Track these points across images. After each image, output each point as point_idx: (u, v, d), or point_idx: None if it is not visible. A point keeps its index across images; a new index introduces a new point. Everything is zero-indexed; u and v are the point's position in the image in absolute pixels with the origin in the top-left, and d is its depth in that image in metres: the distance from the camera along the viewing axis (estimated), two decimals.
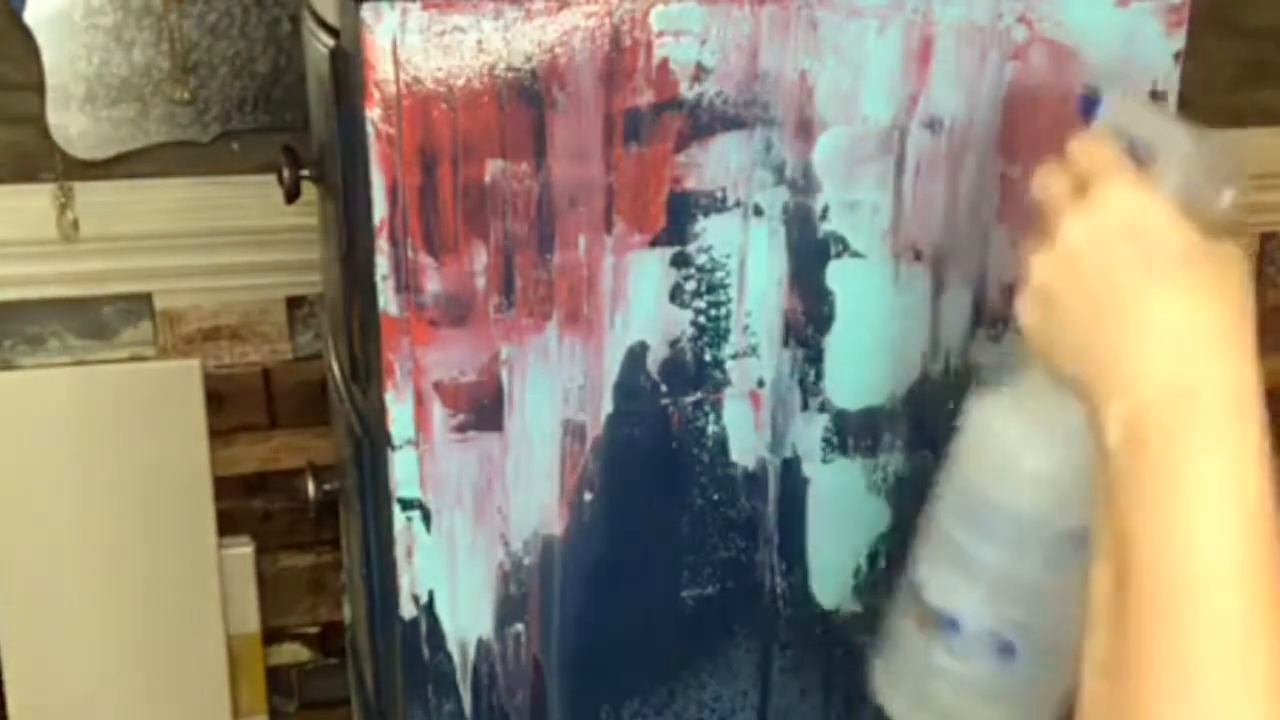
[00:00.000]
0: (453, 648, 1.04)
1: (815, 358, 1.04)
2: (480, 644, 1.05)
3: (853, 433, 1.07)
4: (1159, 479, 0.65)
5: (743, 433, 1.05)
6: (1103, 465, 0.69)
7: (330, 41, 1.05)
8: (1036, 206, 0.76)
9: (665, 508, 1.06)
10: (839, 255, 1.02)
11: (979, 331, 1.07)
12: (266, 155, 1.47)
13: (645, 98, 0.95)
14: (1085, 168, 0.74)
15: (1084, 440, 0.72)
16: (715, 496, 1.06)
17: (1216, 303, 0.68)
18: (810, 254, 1.01)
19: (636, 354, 1.01)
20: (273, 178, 1.28)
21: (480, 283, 0.96)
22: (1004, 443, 0.85)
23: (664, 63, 0.94)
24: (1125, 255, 0.70)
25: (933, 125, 1.00)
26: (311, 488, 1.39)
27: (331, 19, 1.06)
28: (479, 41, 0.91)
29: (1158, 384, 0.67)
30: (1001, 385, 0.86)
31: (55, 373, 1.74)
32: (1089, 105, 0.80)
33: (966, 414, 0.87)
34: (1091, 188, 0.72)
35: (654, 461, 1.04)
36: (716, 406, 1.03)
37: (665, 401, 1.02)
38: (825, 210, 1.01)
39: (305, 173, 1.27)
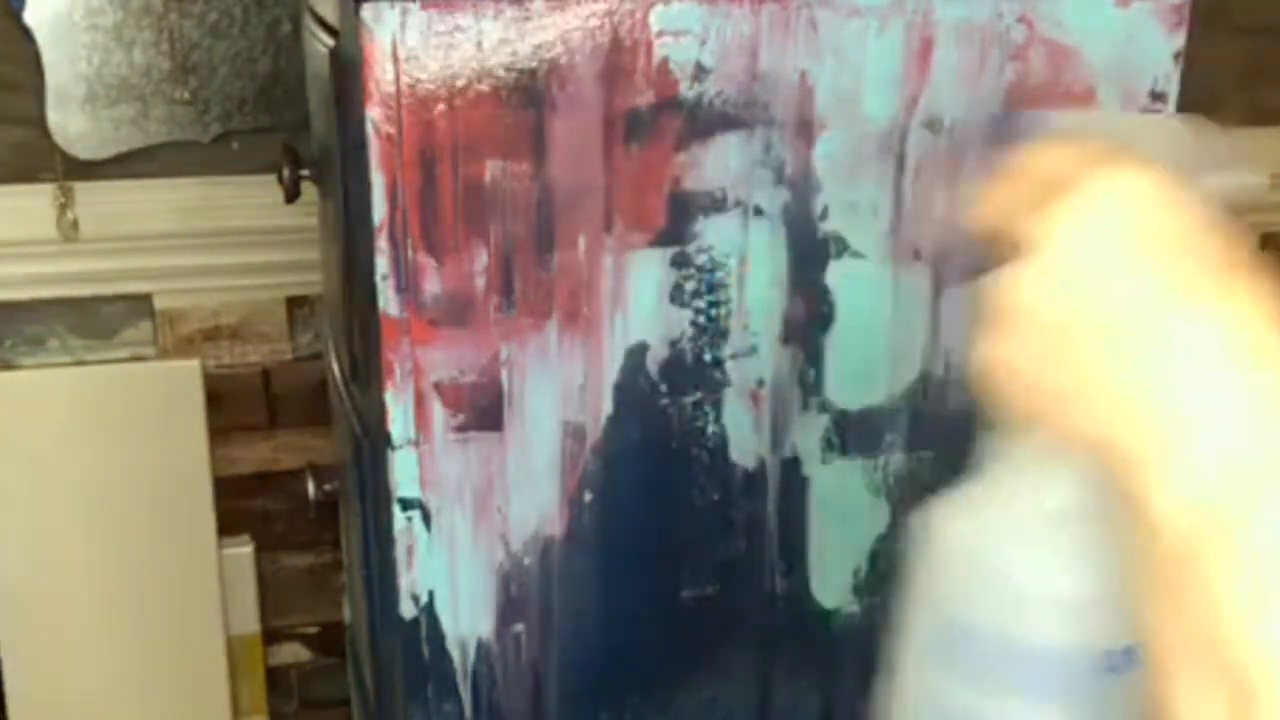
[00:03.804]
0: (453, 648, 1.04)
1: (815, 358, 1.04)
2: (480, 644, 1.05)
3: (853, 433, 1.07)
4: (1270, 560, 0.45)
5: (743, 433, 1.05)
6: (1154, 554, 0.49)
7: (330, 41, 1.05)
8: (982, 237, 0.58)
9: (665, 508, 1.06)
10: (839, 255, 1.02)
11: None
12: (266, 155, 1.47)
13: (645, 98, 0.95)
14: (1051, 169, 0.55)
15: (1101, 529, 0.54)
16: (715, 496, 1.06)
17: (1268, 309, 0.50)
18: (810, 254, 1.01)
19: (636, 354, 1.01)
20: (273, 178, 1.28)
21: (480, 283, 0.96)
22: (993, 560, 0.61)
23: (664, 63, 0.94)
24: (1143, 252, 0.51)
25: (933, 125, 1.00)
26: (311, 488, 1.39)
27: (331, 19, 1.06)
28: (479, 41, 0.91)
29: (1224, 428, 0.48)
30: (964, 484, 0.64)
31: (55, 373, 1.74)
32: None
33: (923, 534, 0.64)
34: (1070, 182, 0.53)
35: (654, 462, 1.04)
36: (716, 406, 1.03)
37: (665, 401, 1.02)
38: (825, 210, 1.01)
39: (305, 173, 1.27)
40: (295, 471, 1.74)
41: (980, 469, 0.63)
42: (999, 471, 0.62)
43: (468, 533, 1.02)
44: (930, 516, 0.64)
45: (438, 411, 0.98)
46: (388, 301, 0.95)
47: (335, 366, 1.29)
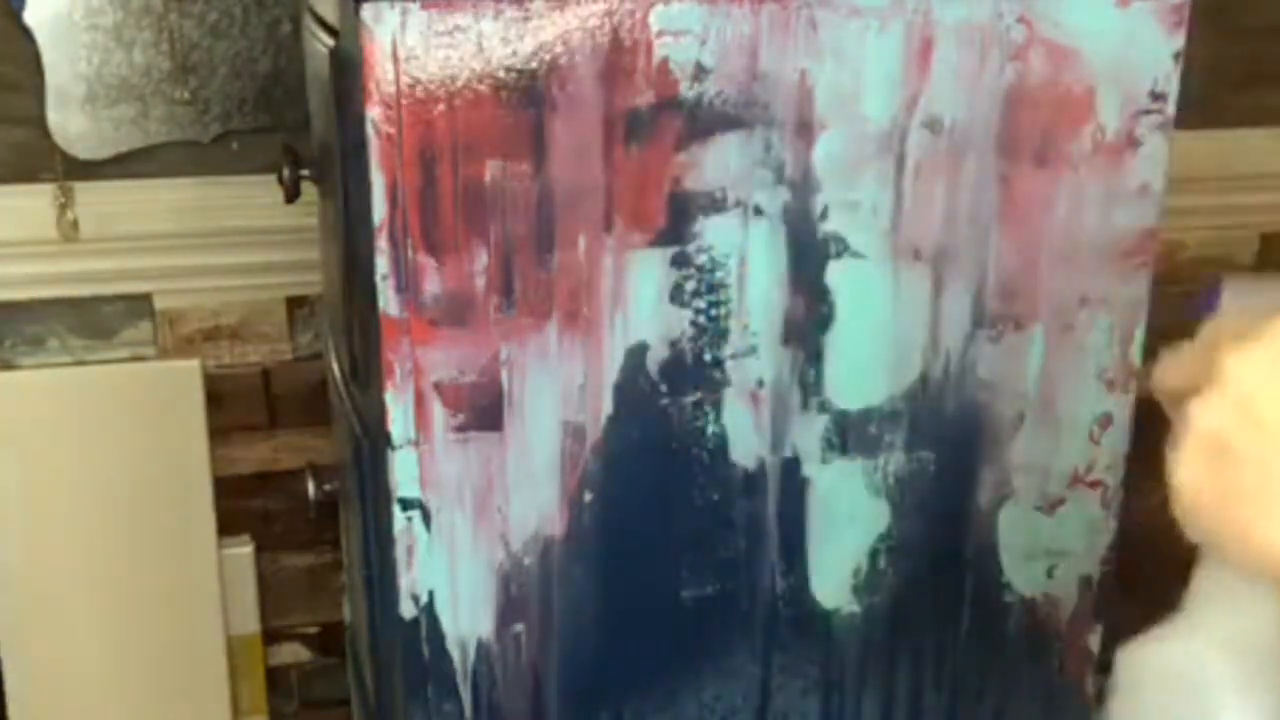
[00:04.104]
0: (453, 648, 1.04)
1: (815, 358, 1.04)
2: (480, 644, 1.05)
3: (853, 433, 1.07)
4: None
5: (743, 433, 1.05)
6: None
7: (330, 41, 1.05)
8: (1168, 392, 0.66)
9: (665, 508, 1.05)
10: (839, 255, 1.02)
11: (978, 332, 1.07)
12: (266, 155, 1.46)
13: (645, 98, 0.95)
14: (1230, 335, 0.62)
15: None
16: (715, 496, 1.06)
17: None
18: (810, 254, 1.01)
19: (636, 354, 1.01)
20: (273, 178, 1.28)
21: (480, 283, 0.96)
22: (1194, 683, 0.67)
23: (664, 63, 0.94)
24: None
25: (933, 125, 1.00)
26: (311, 488, 1.39)
27: (331, 19, 1.06)
28: (479, 41, 0.91)
29: None
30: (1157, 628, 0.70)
31: (55, 373, 1.73)
32: (1210, 298, 0.72)
33: (1130, 662, 0.71)
34: (1248, 336, 0.61)
35: (654, 462, 1.04)
36: (716, 406, 1.03)
37: (665, 401, 1.02)
38: (825, 210, 1.01)
39: (305, 173, 1.27)
40: (295, 471, 1.74)
41: (1186, 601, 0.69)
42: (1201, 602, 0.68)
43: (468, 533, 1.02)
44: (1138, 646, 0.70)
45: (438, 411, 0.98)
46: (388, 301, 0.95)
47: (335, 366, 1.29)
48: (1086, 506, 1.14)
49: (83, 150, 1.65)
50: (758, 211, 0.99)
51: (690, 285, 1.00)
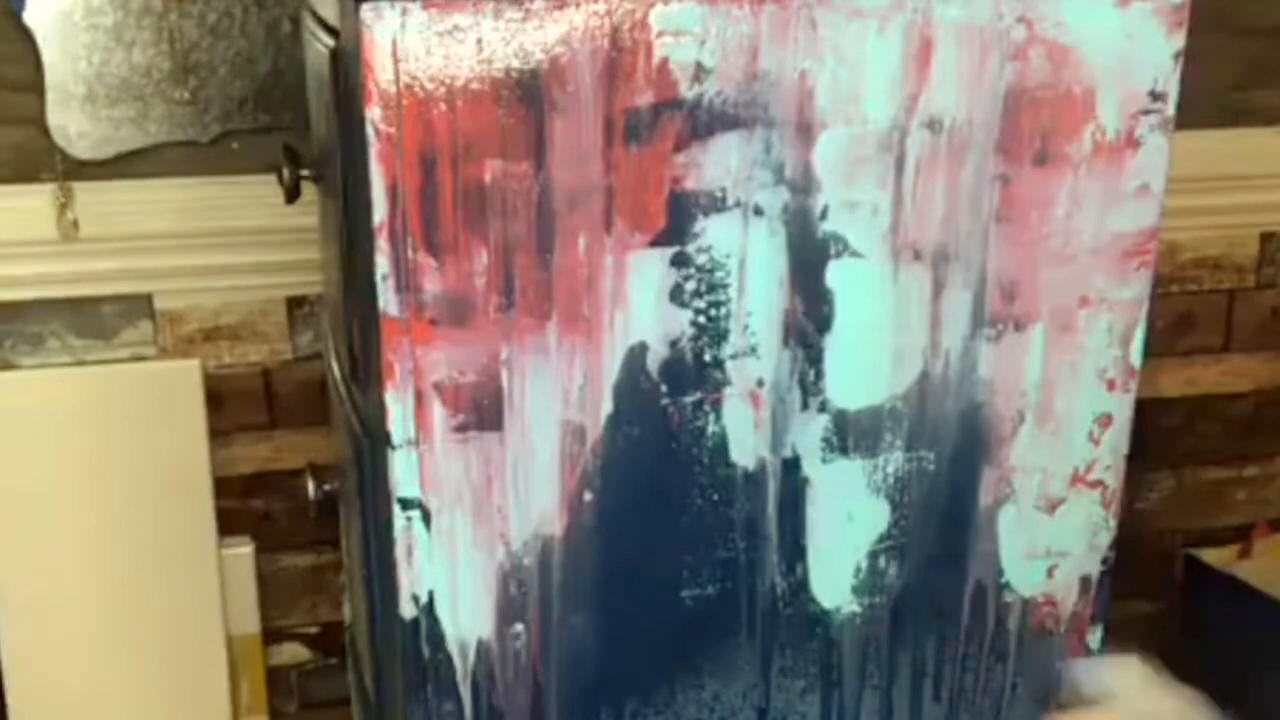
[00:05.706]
0: (453, 648, 1.04)
1: (815, 358, 1.04)
2: (480, 644, 1.05)
3: (853, 433, 1.07)
4: None
5: (743, 433, 1.05)
6: None
7: (330, 41, 1.05)
8: None
9: (665, 508, 1.06)
10: (839, 255, 1.02)
11: (978, 332, 1.07)
12: (266, 155, 1.47)
13: (645, 98, 0.95)
14: None
15: None
16: (715, 496, 1.06)
17: None
18: (810, 254, 1.01)
19: (636, 354, 1.01)
20: (273, 178, 1.28)
21: (480, 283, 0.96)
22: None
23: (664, 63, 0.94)
24: None
25: (933, 125, 1.00)
26: (311, 488, 1.39)
27: (331, 19, 1.06)
28: (479, 41, 0.91)
29: None
30: None
31: (55, 373, 1.73)
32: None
33: None
34: None
35: (654, 461, 1.04)
36: (716, 406, 1.03)
37: (665, 401, 1.02)
38: (825, 210, 1.01)
39: (305, 173, 1.27)
40: (295, 471, 1.74)
41: None
42: None
43: (468, 533, 1.02)
44: None
45: (438, 411, 0.98)
46: (388, 301, 0.95)
47: (335, 366, 1.29)
48: (1086, 506, 1.14)
49: (83, 150, 1.65)
50: (758, 211, 0.99)
51: (690, 285, 1.00)
